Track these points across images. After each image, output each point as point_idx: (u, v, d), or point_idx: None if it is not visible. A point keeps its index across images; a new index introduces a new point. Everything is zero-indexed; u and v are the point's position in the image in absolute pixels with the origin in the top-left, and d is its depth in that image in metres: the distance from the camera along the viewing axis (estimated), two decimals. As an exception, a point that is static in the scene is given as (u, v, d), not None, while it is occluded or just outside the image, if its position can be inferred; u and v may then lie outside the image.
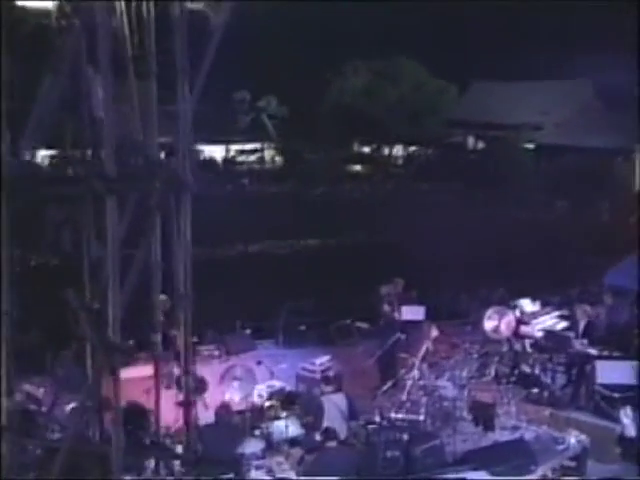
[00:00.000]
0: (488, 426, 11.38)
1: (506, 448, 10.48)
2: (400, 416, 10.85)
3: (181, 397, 6.88)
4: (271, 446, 10.20)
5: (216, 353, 14.71)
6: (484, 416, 11.44)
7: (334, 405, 10.43)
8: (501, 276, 18.29)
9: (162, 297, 13.56)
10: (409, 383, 11.61)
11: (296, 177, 35.35)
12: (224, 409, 9.53)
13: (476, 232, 22.15)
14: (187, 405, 6.37)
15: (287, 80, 36.34)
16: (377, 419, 10.42)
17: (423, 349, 11.87)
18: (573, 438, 10.63)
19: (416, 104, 37.44)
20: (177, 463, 6.95)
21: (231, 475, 9.33)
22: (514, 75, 37.25)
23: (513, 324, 12.46)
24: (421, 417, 11.14)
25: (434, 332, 12.38)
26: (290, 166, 37.26)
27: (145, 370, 11.51)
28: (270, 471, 9.63)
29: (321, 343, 15.29)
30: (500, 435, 11.13)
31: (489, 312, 12.72)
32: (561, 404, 11.72)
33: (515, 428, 11.20)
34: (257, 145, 39.52)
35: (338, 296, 17.54)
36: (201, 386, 11.38)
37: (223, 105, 37.75)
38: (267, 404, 10.60)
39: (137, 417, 9.00)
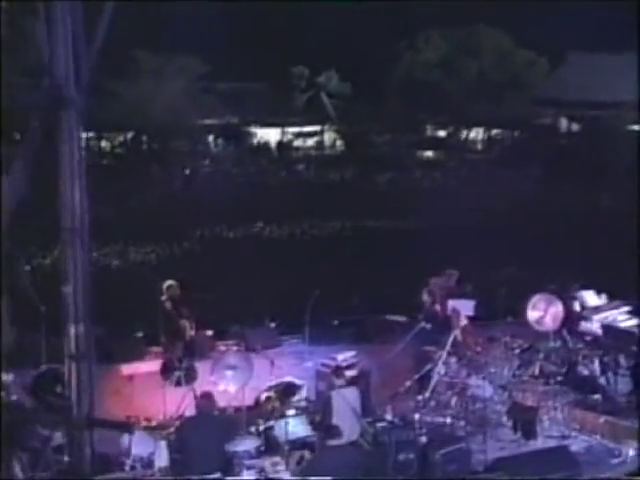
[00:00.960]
0: (529, 433, 11.12)
1: (545, 457, 10.27)
2: (421, 417, 10.84)
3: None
4: (270, 445, 10.15)
5: (234, 349, 14.84)
6: (525, 421, 11.17)
7: (344, 400, 10.20)
8: (579, 273, 17.89)
9: (171, 282, 14.15)
10: (434, 380, 11.48)
11: (359, 163, 35.36)
12: (206, 399, 9.56)
13: (560, 226, 22.48)
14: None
15: (350, 53, 36.26)
16: (389, 417, 10.34)
17: (450, 340, 11.56)
18: (632, 451, 10.27)
19: (499, 79, 36.79)
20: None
21: (217, 475, 9.37)
22: (618, 45, 35.89)
23: (561, 316, 12.09)
24: (447, 419, 11.10)
25: (463, 320, 12.12)
26: (352, 151, 37.30)
27: (153, 365, 12.17)
28: (262, 471, 9.62)
29: (357, 340, 15.19)
30: (544, 444, 10.92)
31: (534, 299, 12.38)
32: (621, 412, 11.31)
33: (562, 437, 11.01)
34: (316, 127, 39.67)
35: (386, 289, 17.62)
36: (191, 374, 11.76)
37: (278, 82, 38.13)
38: (264, 396, 10.50)
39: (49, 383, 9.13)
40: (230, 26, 31.52)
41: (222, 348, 15.02)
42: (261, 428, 10.29)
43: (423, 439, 10.32)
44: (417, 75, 37.52)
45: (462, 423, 11.10)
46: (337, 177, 35.23)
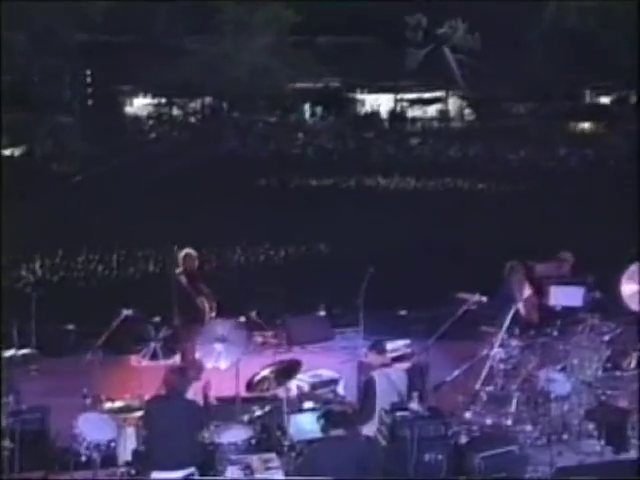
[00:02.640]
0: (618, 441, 10.61)
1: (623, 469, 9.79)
2: (463, 410, 10.68)
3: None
4: (265, 439, 10.21)
5: (273, 341, 15.17)
6: (613, 427, 10.66)
7: (388, 382, 10.29)
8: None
9: (188, 251, 14.38)
10: (487, 366, 11.27)
11: (491, 136, 34.89)
12: (179, 375, 9.56)
13: None
14: None
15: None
16: (414, 406, 9.88)
17: (509, 316, 11.20)
18: None
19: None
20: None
21: (192, 470, 9.34)
22: None
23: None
24: (503, 419, 10.81)
25: (526, 290, 11.67)
26: (483, 122, 36.82)
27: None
28: (247, 468, 9.57)
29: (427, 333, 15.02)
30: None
31: (631, 270, 11.80)
32: None
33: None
34: (437, 93, 39.38)
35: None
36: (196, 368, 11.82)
37: (388, 35, 37.99)
38: (258, 377, 10.56)
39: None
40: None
41: (258, 340, 15.22)
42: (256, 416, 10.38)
43: (461, 437, 10.17)
44: (567, 24, 36.54)
45: (523, 424, 10.81)
46: (460, 154, 34.85)
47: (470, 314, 11.94)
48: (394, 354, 12.53)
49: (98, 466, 9.68)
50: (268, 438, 10.28)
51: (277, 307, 15.83)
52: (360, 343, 13.24)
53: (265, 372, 10.62)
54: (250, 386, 10.61)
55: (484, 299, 12.58)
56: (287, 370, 10.84)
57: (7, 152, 32.13)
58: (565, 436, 10.83)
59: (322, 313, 16.06)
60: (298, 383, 11.82)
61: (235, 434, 9.94)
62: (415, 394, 10.07)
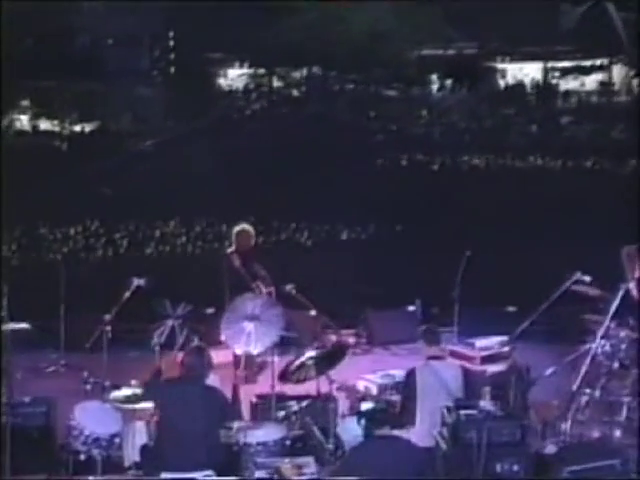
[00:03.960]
0: None
1: None
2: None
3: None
4: (302, 439, 10.32)
5: (351, 340, 15.37)
6: None
7: (435, 379, 10.33)
8: None
9: (244, 226, 14.53)
10: (587, 362, 11.04)
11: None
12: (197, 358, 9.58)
13: None
14: None
15: None
16: (486, 404, 9.79)
17: (616, 301, 11.01)
18: None
19: None
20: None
21: (209, 472, 9.43)
22: None
23: None
24: (609, 429, 10.70)
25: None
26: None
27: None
28: (275, 473, 9.54)
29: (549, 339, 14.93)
30: None
31: None
32: None
33: None
34: (598, 60, 38.49)
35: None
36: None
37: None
38: (295, 364, 10.60)
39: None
40: None
41: (331, 337, 15.15)
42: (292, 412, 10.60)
43: (548, 445, 10.14)
44: None
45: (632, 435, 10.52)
46: (625, 135, 33.98)
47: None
48: (484, 353, 12.75)
49: (99, 465, 9.76)
50: (306, 440, 10.41)
51: (357, 299, 16.16)
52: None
53: (303, 358, 10.64)
54: (285, 375, 10.65)
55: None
56: (330, 356, 10.84)
57: (77, 127, 32.89)
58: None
59: (412, 308, 16.10)
60: (366, 384, 12.05)
61: (265, 433, 9.98)
62: (487, 389, 10.05)
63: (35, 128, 33.08)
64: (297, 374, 10.63)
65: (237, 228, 14.18)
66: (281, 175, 25.51)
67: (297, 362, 10.61)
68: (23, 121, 33.18)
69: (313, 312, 15.16)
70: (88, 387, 10.11)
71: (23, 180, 23.45)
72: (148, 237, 22.46)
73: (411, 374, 10.60)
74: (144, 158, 28.88)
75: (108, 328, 10.82)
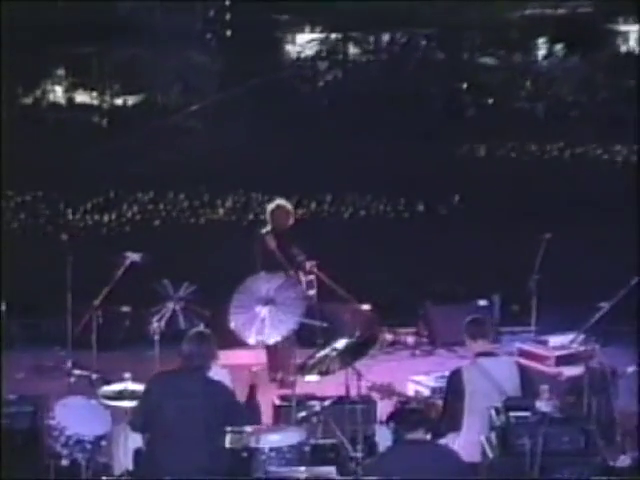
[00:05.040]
0: None
1: None
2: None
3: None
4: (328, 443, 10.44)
5: (409, 340, 15.57)
6: None
7: (486, 379, 10.34)
8: None
9: (280, 202, 14.62)
10: None
11: None
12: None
13: None
14: None
15: None
16: (542, 405, 9.63)
17: None
18: None
19: None
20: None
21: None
22: None
23: None
24: None
25: None
26: None
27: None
28: None
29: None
30: None
31: None
32: None
33: None
34: None
35: None
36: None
37: None
38: (319, 355, 10.67)
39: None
40: None
41: (388, 338, 15.53)
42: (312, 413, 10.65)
43: (621, 457, 10.02)
44: None
45: None
46: None
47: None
48: (560, 352, 12.88)
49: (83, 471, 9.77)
50: (330, 446, 10.48)
51: (417, 291, 16.08)
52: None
53: (326, 350, 10.67)
54: (304, 368, 10.89)
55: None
56: (356, 347, 10.88)
57: (119, 101, 33.13)
58: None
59: (482, 302, 16.03)
60: (416, 387, 12.31)
61: (281, 438, 9.95)
62: (545, 387, 9.90)
63: (71, 101, 33.36)
64: (319, 367, 10.71)
65: (272, 204, 14.25)
66: (348, 151, 25.65)
67: (319, 355, 10.71)
68: (57, 93, 33.46)
69: (364, 306, 15.25)
70: (72, 380, 10.00)
71: (55, 160, 23.93)
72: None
73: (456, 374, 10.62)
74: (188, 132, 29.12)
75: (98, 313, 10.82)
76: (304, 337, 12.98)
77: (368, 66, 36.78)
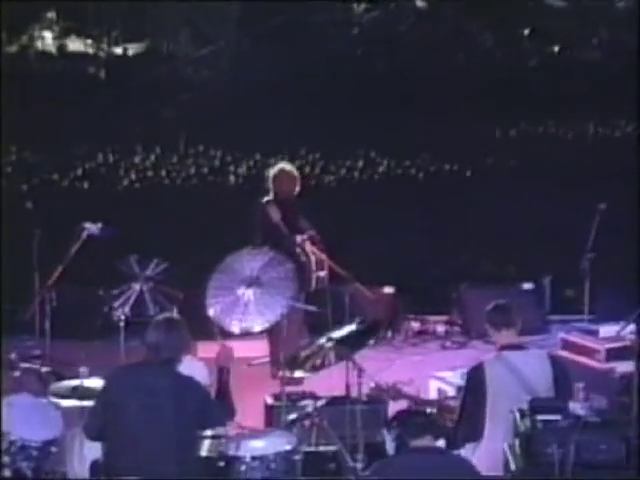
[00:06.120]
0: None
1: None
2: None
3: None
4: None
5: (439, 329, 15.88)
6: None
7: (513, 376, 10.43)
8: None
9: (283, 166, 14.70)
10: None
11: None
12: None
13: None
14: None
15: None
16: (578, 407, 9.64)
17: None
18: None
19: None
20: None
21: None
22: None
23: None
24: None
25: None
26: None
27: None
28: None
29: None
30: None
31: None
32: None
33: None
34: None
35: None
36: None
37: None
38: (313, 347, 10.80)
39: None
40: None
41: (414, 326, 15.93)
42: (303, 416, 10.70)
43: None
44: None
45: None
46: None
47: None
48: (611, 344, 12.94)
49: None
50: (325, 454, 10.53)
51: (450, 271, 16.49)
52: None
53: (321, 340, 10.71)
54: (295, 361, 10.82)
55: None
56: (356, 337, 10.95)
57: (118, 50, 33.14)
58: None
59: (527, 286, 16.11)
60: (439, 385, 12.55)
61: (266, 444, 9.97)
62: (580, 386, 10.05)
63: (62, 49, 33.39)
64: (312, 360, 10.78)
65: (275, 169, 14.35)
66: (380, 108, 25.63)
67: (313, 346, 10.81)
68: (47, 40, 33.49)
69: (388, 289, 15.24)
70: (17, 374, 9.96)
71: (44, 117, 24.02)
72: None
73: (476, 370, 10.68)
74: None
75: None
76: (316, 324, 13.07)
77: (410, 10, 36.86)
